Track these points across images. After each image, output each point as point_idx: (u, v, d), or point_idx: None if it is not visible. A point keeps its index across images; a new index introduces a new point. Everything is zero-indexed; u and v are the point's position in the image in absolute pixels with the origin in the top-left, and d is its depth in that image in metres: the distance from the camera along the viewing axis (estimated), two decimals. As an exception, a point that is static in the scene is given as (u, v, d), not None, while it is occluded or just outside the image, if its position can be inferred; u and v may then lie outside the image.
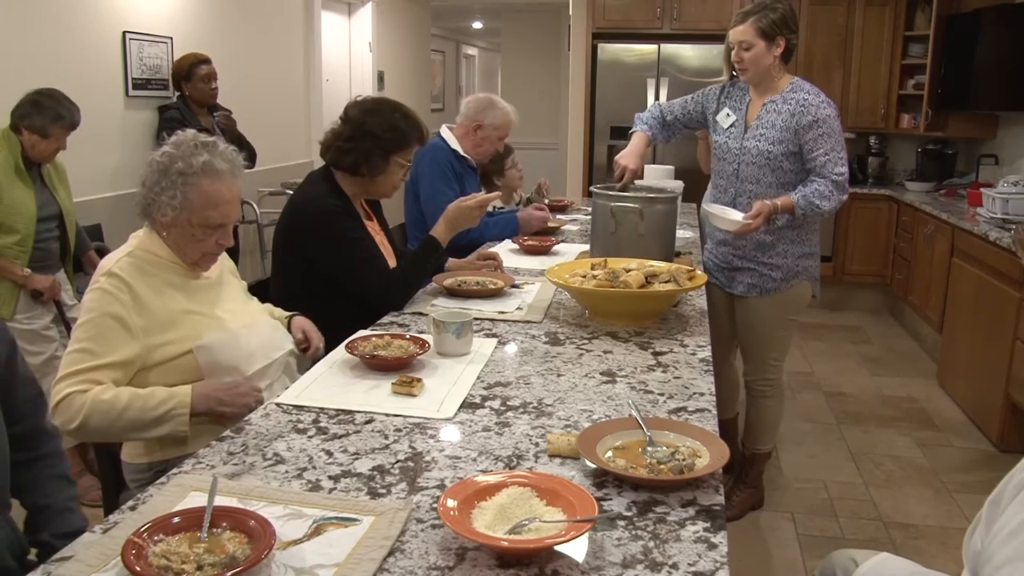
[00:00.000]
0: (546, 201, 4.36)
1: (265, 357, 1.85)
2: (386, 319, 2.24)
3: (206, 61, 4.37)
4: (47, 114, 3.06)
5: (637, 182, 3.02)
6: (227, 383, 1.72)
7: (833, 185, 2.63)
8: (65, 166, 3.38)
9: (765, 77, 2.73)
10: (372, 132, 2.36)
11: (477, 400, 1.65)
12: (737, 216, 2.68)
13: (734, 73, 2.82)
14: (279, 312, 2.14)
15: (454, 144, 3.45)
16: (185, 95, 4.38)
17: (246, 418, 1.55)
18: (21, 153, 3.08)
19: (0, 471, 1.34)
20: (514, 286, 2.55)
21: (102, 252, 3.42)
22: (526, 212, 3.56)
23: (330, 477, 1.32)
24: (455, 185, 3.33)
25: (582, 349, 1.98)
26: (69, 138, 3.24)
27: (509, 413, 1.58)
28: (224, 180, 1.78)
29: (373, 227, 2.54)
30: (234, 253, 4.33)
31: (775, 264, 2.82)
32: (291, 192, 5.41)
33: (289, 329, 2.06)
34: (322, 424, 1.53)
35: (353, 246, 2.34)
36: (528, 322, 2.21)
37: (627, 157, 2.81)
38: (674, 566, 1.07)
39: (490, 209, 3.69)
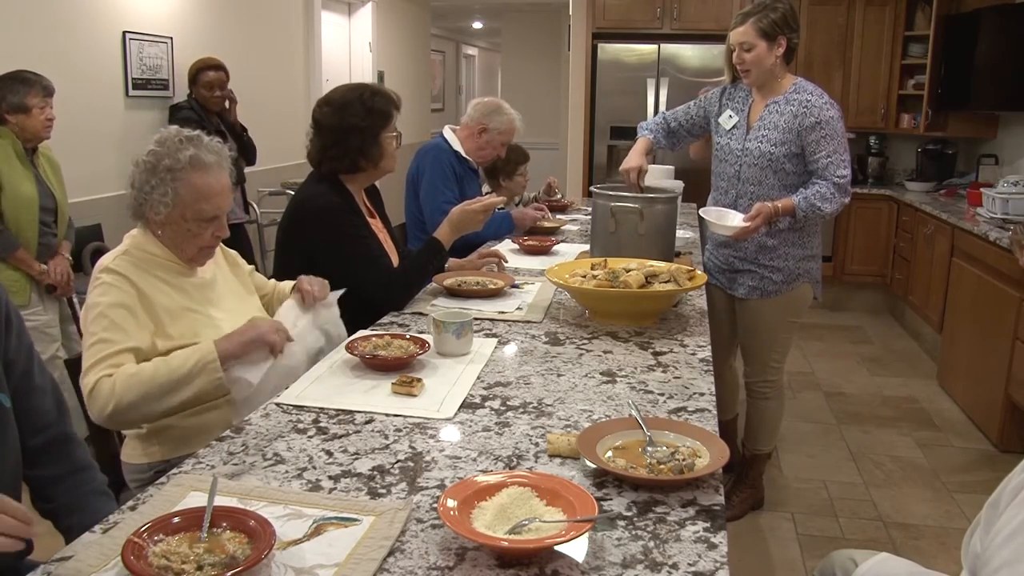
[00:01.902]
0: (558, 196, 4.37)
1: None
2: (386, 319, 2.24)
3: (214, 67, 4.30)
4: (16, 90, 3.05)
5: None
6: (242, 328, 1.76)
7: (835, 187, 2.63)
8: (61, 164, 3.37)
9: (768, 78, 2.73)
10: (354, 126, 2.36)
11: (477, 400, 1.65)
12: (735, 220, 2.68)
13: (735, 75, 2.81)
14: (283, 286, 2.16)
15: (456, 145, 3.46)
16: (193, 98, 4.39)
17: (246, 418, 1.55)
18: (20, 136, 3.07)
19: (13, 472, 1.33)
20: (514, 286, 2.55)
21: (102, 252, 3.41)
22: (519, 211, 3.57)
23: (330, 477, 1.32)
24: (454, 187, 3.34)
25: (582, 349, 1.98)
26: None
27: (509, 413, 1.58)
28: (212, 172, 1.79)
29: (376, 224, 2.54)
30: (238, 247, 4.33)
31: (776, 267, 2.81)
32: (291, 192, 5.39)
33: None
34: (322, 424, 1.53)
35: (355, 244, 2.34)
36: (528, 322, 2.21)
37: (630, 160, 2.85)
38: (674, 566, 1.07)
39: None
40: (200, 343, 1.71)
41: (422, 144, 3.63)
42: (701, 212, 2.80)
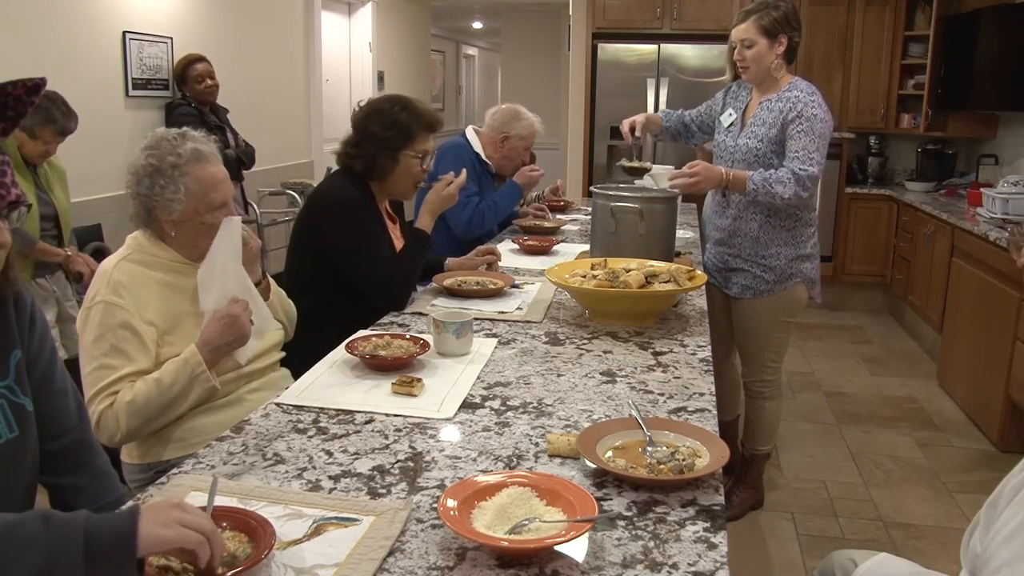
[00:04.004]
0: (562, 200, 4.37)
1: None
2: (386, 319, 2.24)
3: (199, 60, 4.42)
4: (38, 115, 3.02)
5: (637, 182, 3.05)
6: (216, 324, 1.73)
7: (794, 176, 2.59)
8: (65, 168, 3.38)
9: (766, 76, 2.73)
10: (374, 134, 2.36)
11: (477, 400, 1.65)
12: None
13: (737, 73, 2.82)
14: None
15: (477, 147, 3.47)
16: (187, 96, 4.41)
17: (246, 418, 1.56)
18: (18, 150, 3.07)
19: (30, 476, 1.32)
20: (514, 286, 2.55)
21: (103, 252, 3.42)
22: (521, 174, 3.51)
23: (330, 477, 1.32)
24: (474, 183, 3.33)
25: (582, 349, 1.98)
26: (70, 138, 3.23)
27: (509, 413, 1.58)
28: (212, 161, 1.81)
29: (394, 231, 2.54)
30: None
31: (769, 266, 2.81)
32: (291, 192, 5.41)
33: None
34: (322, 424, 1.53)
35: (366, 239, 2.34)
36: (528, 322, 2.21)
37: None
38: (674, 566, 1.07)
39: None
40: (185, 352, 1.71)
41: (439, 144, 3.63)
42: (647, 176, 2.88)
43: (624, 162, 3.00)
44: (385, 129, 2.36)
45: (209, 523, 1.01)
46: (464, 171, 2.59)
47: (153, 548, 0.98)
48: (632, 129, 2.99)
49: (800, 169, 2.59)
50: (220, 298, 1.78)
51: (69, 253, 3.15)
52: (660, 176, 2.78)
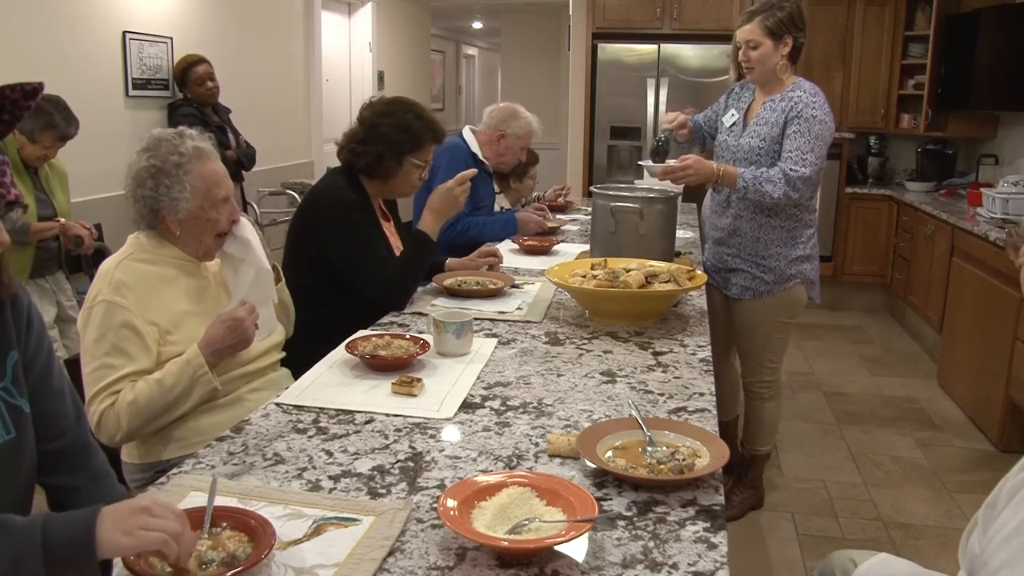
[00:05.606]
0: (566, 199, 4.38)
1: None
2: (386, 319, 2.24)
3: (200, 62, 4.41)
4: (39, 120, 3.02)
5: (637, 182, 3.05)
6: (219, 326, 1.73)
7: (785, 177, 2.59)
8: (66, 169, 3.38)
9: (771, 77, 2.72)
10: (384, 134, 2.37)
11: (477, 400, 1.65)
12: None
13: (741, 73, 2.82)
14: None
15: (474, 147, 3.46)
16: (188, 97, 4.41)
17: (246, 418, 1.56)
18: (18, 152, 3.07)
19: (28, 478, 1.31)
20: (514, 286, 2.55)
21: (103, 252, 3.42)
22: (525, 214, 3.56)
23: (330, 477, 1.32)
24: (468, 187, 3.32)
25: (582, 349, 1.98)
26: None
27: (509, 413, 1.58)
28: (212, 157, 1.83)
29: (389, 228, 2.54)
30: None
31: (768, 267, 2.81)
32: (291, 192, 5.41)
33: None
34: (322, 424, 1.53)
35: (364, 240, 2.34)
36: (528, 322, 2.21)
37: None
38: (674, 566, 1.07)
39: (497, 208, 3.71)
40: (187, 353, 1.71)
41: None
42: (643, 162, 2.87)
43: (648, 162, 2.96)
44: (396, 132, 2.37)
45: (175, 522, 1.00)
46: (475, 171, 2.57)
47: (114, 554, 0.99)
48: (682, 126, 2.93)
49: (791, 170, 2.59)
50: (237, 288, 1.80)
51: (62, 221, 3.14)
52: (653, 167, 2.77)
